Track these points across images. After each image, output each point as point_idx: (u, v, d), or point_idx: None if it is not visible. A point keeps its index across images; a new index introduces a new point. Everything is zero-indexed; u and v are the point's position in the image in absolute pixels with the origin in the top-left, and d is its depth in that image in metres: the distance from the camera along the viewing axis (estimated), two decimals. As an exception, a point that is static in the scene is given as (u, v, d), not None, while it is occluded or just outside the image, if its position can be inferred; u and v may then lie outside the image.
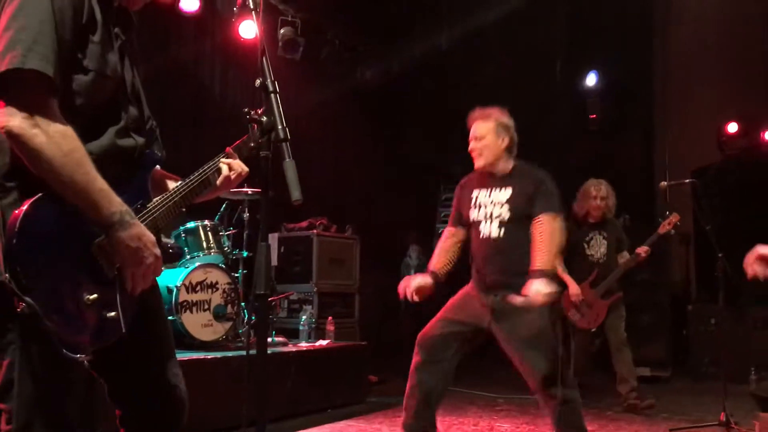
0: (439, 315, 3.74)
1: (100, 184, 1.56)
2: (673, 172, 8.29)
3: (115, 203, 1.57)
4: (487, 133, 3.60)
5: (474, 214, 3.64)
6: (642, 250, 5.48)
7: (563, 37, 9.73)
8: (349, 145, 8.79)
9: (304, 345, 5.70)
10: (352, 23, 8.82)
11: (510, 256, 3.50)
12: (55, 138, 1.50)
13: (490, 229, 3.56)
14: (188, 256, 5.19)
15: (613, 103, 9.80)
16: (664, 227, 5.42)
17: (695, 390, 6.61)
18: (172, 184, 1.94)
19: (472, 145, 3.64)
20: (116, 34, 1.77)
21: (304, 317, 6.10)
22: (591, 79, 10.10)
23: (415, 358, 3.71)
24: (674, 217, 5.41)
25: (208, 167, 1.95)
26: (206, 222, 5.33)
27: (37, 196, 1.50)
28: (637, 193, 8.98)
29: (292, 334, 6.04)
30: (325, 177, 8.27)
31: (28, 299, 1.43)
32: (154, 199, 1.79)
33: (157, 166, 1.93)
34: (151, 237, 1.65)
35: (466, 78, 9.88)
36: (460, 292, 3.77)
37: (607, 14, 9.11)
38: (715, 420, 4.58)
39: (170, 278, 4.91)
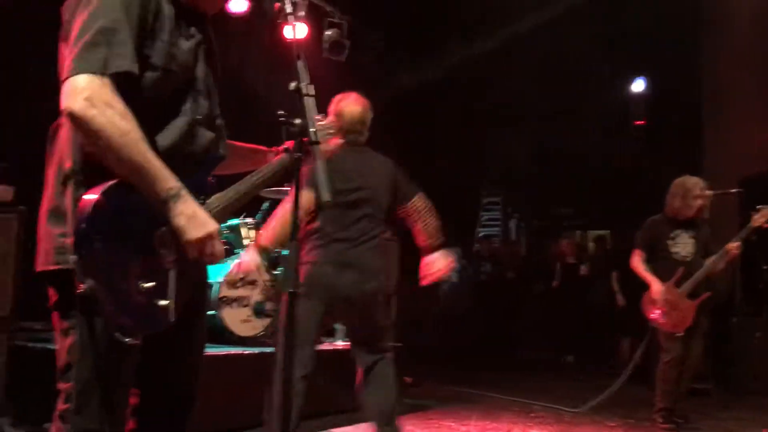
0: None
1: (157, 162, 1.63)
2: (720, 181, 8.11)
3: (172, 179, 1.64)
4: None
5: None
6: (733, 246, 5.01)
7: (610, 43, 9.62)
8: (390, 148, 8.81)
9: (340, 344, 5.75)
10: (393, 27, 8.86)
11: None
12: (113, 119, 1.58)
13: None
14: (229, 253, 5.30)
15: (659, 109, 9.65)
16: (757, 221, 4.92)
17: (736, 404, 6.46)
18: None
19: None
20: (191, 34, 1.84)
21: (341, 317, 6.15)
22: (638, 85, 9.97)
23: None
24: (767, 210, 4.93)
25: (268, 170, 1.99)
26: (248, 219, 5.43)
27: (107, 185, 1.58)
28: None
29: (329, 333, 6.09)
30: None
31: (89, 281, 1.51)
32: (213, 197, 1.84)
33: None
34: (204, 212, 1.70)
35: (508, 84, 9.84)
36: None
37: (656, 19, 8.97)
38: (756, 436, 4.49)
39: (211, 274, 5.01)
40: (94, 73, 1.58)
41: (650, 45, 9.13)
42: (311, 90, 1.73)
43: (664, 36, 8.94)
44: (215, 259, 1.71)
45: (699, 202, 5.22)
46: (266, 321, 5.11)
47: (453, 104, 10.22)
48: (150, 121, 1.69)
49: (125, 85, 1.65)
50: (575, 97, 9.72)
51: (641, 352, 5.76)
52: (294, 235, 1.64)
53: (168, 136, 1.74)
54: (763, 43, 8.63)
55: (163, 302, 1.66)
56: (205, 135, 1.85)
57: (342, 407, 5.12)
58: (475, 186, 13.15)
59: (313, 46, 7.66)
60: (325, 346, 5.52)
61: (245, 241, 5.35)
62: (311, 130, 1.68)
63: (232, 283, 4.96)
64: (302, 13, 1.87)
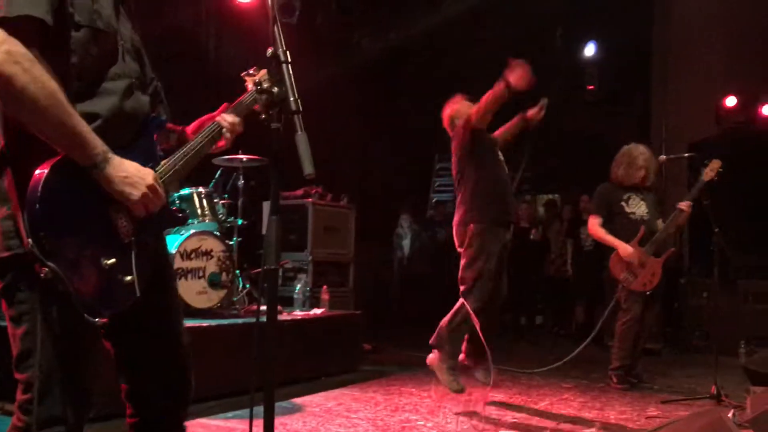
0: None
1: (85, 125, 1.52)
2: (670, 146, 8.27)
3: (99, 143, 1.54)
4: None
5: None
6: (684, 205, 5.08)
7: (563, 6, 9.61)
8: (345, 114, 8.71)
9: (298, 313, 5.71)
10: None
11: None
12: (38, 77, 1.43)
13: None
14: (183, 223, 5.17)
15: (611, 74, 9.73)
16: (708, 174, 4.92)
17: (686, 363, 6.67)
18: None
19: None
20: None
21: (298, 286, 6.11)
22: (590, 50, 10.01)
23: None
24: (715, 163, 4.94)
25: (212, 128, 1.92)
26: (201, 189, 5.28)
27: (55, 160, 1.48)
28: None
29: (287, 302, 6.05)
30: (320, 145, 8.20)
31: (51, 264, 1.43)
32: (162, 163, 1.76)
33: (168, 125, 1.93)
34: (135, 166, 1.62)
35: (463, 46, 9.77)
36: None
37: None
38: (706, 393, 4.61)
39: (165, 245, 4.88)
40: (11, 21, 1.43)
41: (602, 9, 9.15)
42: (289, 56, 1.63)
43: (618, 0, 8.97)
44: (161, 202, 1.66)
45: (642, 172, 5.32)
46: (222, 293, 5.02)
47: (408, 72, 10.12)
48: (85, 88, 1.59)
49: (51, 45, 1.51)
50: (529, 62, 9.71)
51: (608, 314, 5.83)
52: (276, 211, 1.57)
53: (104, 101, 1.62)
54: (716, 9, 8.75)
55: (127, 278, 1.60)
56: (141, 98, 1.75)
57: (304, 375, 5.11)
58: (428, 152, 13.14)
59: (262, 8, 7.47)
60: (284, 316, 5.47)
61: (198, 210, 5.22)
62: (291, 98, 1.59)
63: (186, 255, 4.84)
64: None
